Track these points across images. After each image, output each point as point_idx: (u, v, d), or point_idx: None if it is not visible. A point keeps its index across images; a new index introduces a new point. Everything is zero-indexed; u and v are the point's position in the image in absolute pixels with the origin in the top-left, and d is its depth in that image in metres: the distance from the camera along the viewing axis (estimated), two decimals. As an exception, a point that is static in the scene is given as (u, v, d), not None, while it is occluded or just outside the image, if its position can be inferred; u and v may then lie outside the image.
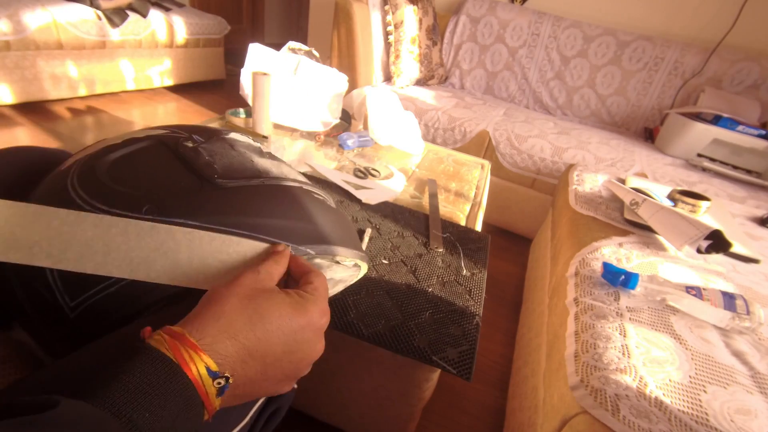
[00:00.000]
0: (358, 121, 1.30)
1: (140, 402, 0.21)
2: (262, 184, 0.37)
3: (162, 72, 2.40)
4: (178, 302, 0.31)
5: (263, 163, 0.40)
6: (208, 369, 0.23)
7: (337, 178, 0.94)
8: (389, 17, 1.80)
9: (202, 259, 0.30)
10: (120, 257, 0.29)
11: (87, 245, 0.28)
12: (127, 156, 0.35)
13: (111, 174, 0.33)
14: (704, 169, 1.51)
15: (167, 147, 0.37)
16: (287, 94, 1.14)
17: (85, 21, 1.93)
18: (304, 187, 0.42)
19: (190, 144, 0.37)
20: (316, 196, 0.42)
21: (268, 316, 0.27)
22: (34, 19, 1.75)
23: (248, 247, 0.32)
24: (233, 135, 0.43)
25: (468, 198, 1.01)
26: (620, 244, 0.84)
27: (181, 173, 0.35)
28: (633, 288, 0.68)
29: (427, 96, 1.79)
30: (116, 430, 0.20)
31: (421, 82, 1.99)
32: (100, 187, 0.32)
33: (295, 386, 0.39)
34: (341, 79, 1.20)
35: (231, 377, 0.24)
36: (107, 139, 0.38)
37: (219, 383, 0.24)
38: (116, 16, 2.03)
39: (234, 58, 2.89)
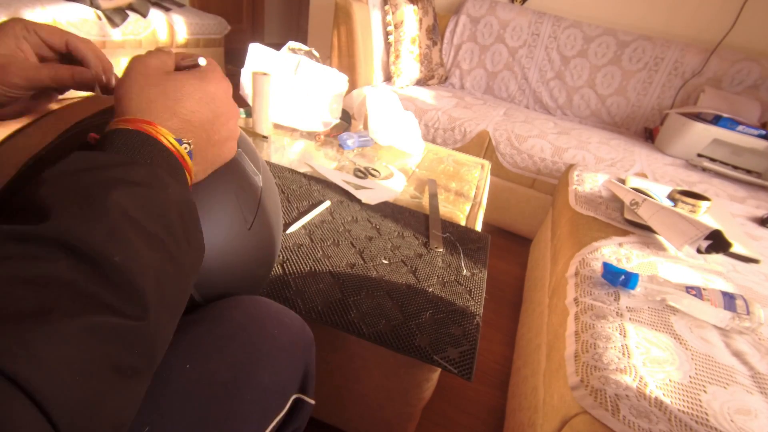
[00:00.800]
0: (358, 121, 1.30)
1: (138, 153, 0.26)
2: None
3: (162, 72, 2.39)
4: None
5: None
6: (174, 139, 0.28)
7: (337, 178, 0.94)
8: (389, 17, 1.80)
9: None
10: None
11: None
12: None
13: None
14: (704, 169, 1.51)
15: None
16: (287, 94, 1.14)
17: (85, 21, 1.93)
18: None
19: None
20: None
21: (187, 91, 0.30)
22: (33, 19, 1.75)
23: None
24: None
25: (468, 198, 1.01)
26: (620, 244, 0.84)
27: None
28: (633, 288, 0.68)
29: (427, 96, 1.79)
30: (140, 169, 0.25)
31: (421, 82, 1.99)
32: None
33: (312, 402, 0.41)
34: (341, 79, 1.20)
35: (190, 142, 0.29)
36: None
37: (186, 147, 0.29)
38: (116, 16, 2.03)
39: (234, 58, 2.89)
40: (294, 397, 0.39)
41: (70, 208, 0.21)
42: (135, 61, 0.30)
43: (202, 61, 0.34)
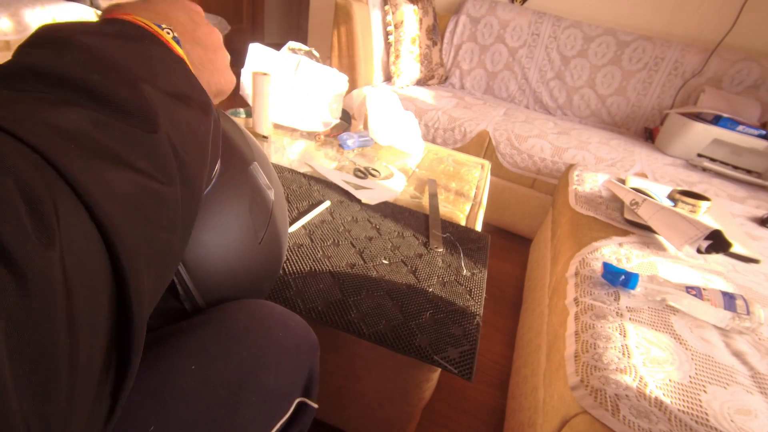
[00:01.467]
0: (358, 121, 1.30)
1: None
2: None
3: (162, 72, 2.39)
4: None
5: None
6: (155, 24, 0.27)
7: (337, 178, 0.94)
8: (389, 17, 1.80)
9: None
10: None
11: None
12: None
13: None
14: (704, 169, 1.51)
15: None
16: (287, 94, 1.14)
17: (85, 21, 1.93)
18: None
19: None
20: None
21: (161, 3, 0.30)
22: (34, 18, 1.75)
23: None
24: None
25: (468, 198, 1.01)
26: (620, 244, 0.84)
27: None
28: (633, 288, 0.68)
29: (427, 96, 1.79)
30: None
31: (421, 82, 1.99)
32: None
33: (316, 406, 0.41)
34: (341, 79, 1.20)
35: (171, 29, 0.28)
36: None
37: (168, 32, 0.27)
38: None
39: (234, 58, 2.88)
40: (298, 400, 0.39)
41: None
42: None
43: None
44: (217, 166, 0.37)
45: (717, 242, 0.81)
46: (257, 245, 0.41)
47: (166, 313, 0.36)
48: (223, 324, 0.36)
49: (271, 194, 0.45)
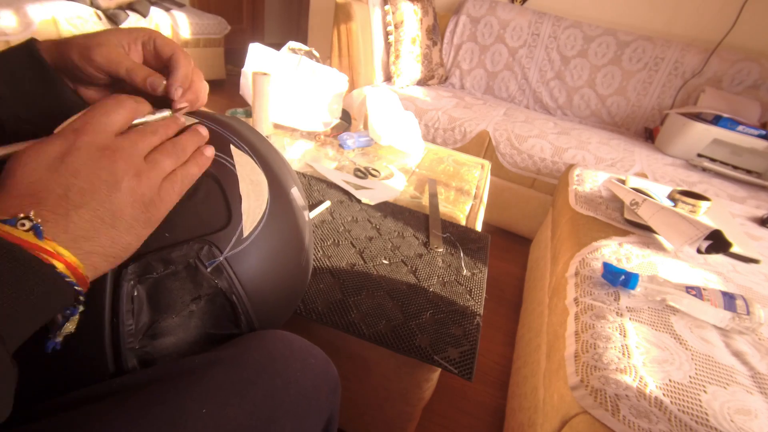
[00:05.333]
0: (358, 121, 1.30)
1: None
2: None
3: (162, 72, 2.40)
4: None
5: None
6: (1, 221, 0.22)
7: (337, 178, 0.94)
8: (389, 17, 1.80)
9: None
10: None
11: None
12: None
13: None
14: (704, 169, 1.51)
15: None
16: (287, 94, 1.14)
17: (85, 21, 1.93)
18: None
19: None
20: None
21: (21, 161, 0.25)
22: (35, 17, 1.75)
23: None
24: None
25: (468, 198, 1.01)
26: (620, 244, 0.84)
27: None
28: (633, 288, 0.68)
29: (427, 96, 1.79)
30: None
31: (421, 82, 1.99)
32: None
33: None
34: (341, 79, 1.20)
35: (33, 215, 0.23)
36: None
37: (23, 224, 0.22)
38: (116, 16, 2.03)
39: (234, 58, 2.89)
40: None
41: None
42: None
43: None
44: (265, 205, 0.36)
45: (717, 242, 0.81)
46: (299, 266, 0.42)
47: (223, 339, 0.36)
48: (237, 363, 0.33)
49: (306, 215, 0.45)
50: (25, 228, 0.22)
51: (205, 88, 0.37)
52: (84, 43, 0.31)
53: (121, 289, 0.29)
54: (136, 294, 0.30)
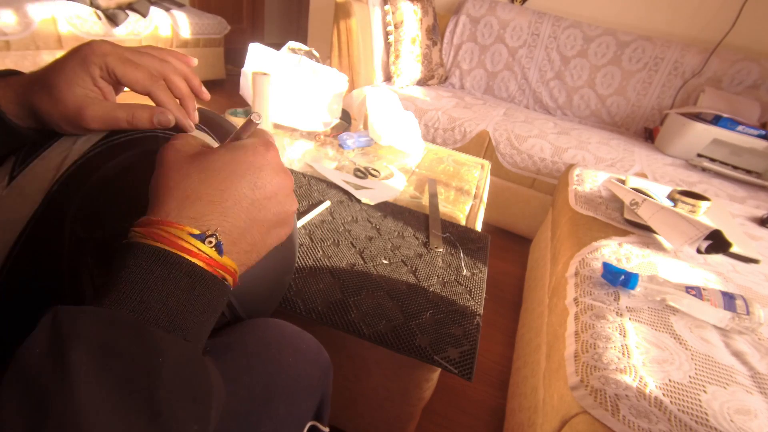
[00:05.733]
0: (358, 121, 1.30)
1: (149, 301, 0.22)
2: None
3: (162, 72, 2.39)
4: None
5: None
6: (192, 235, 0.23)
7: (337, 178, 0.94)
8: (389, 17, 1.80)
9: None
10: None
11: None
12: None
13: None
14: (704, 169, 1.51)
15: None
16: (287, 94, 1.14)
17: (85, 20, 1.93)
18: None
19: None
20: None
21: (213, 167, 0.26)
22: (35, 17, 1.75)
23: None
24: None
25: (468, 198, 1.01)
26: (620, 244, 0.84)
27: None
28: (633, 288, 0.68)
29: (427, 96, 1.79)
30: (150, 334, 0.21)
31: (421, 82, 1.99)
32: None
33: (327, 430, 0.41)
34: (341, 79, 1.20)
35: (218, 231, 0.24)
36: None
37: (210, 242, 0.24)
38: (116, 16, 2.03)
39: (234, 58, 2.89)
40: (309, 424, 0.38)
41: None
42: (160, 151, 0.28)
43: (255, 118, 0.29)
44: None
45: (717, 242, 0.81)
46: (282, 251, 0.41)
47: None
48: (231, 350, 0.34)
49: None
50: (211, 245, 0.24)
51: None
52: (62, 112, 0.30)
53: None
54: None
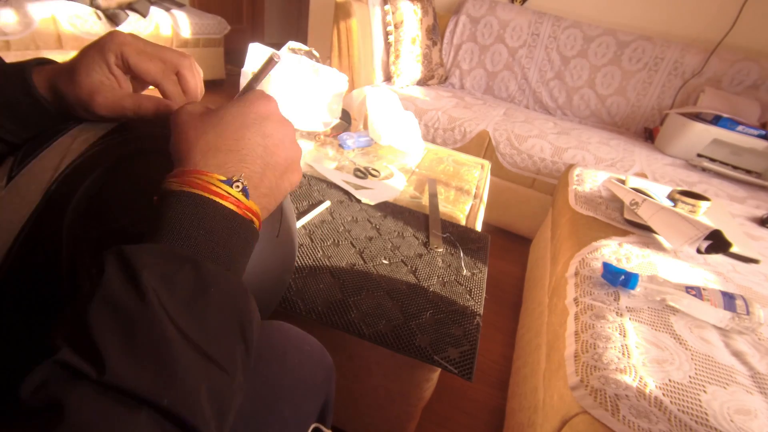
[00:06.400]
0: (358, 121, 1.30)
1: (198, 237, 0.24)
2: None
3: (162, 72, 2.40)
4: None
5: None
6: (221, 180, 0.26)
7: (337, 178, 0.94)
8: (389, 17, 1.80)
9: None
10: None
11: None
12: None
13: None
14: (704, 170, 1.51)
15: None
16: (287, 94, 1.14)
17: (85, 20, 1.93)
18: None
19: None
20: None
21: (224, 120, 0.28)
22: (35, 16, 1.75)
23: None
24: None
25: (468, 198, 1.01)
26: (620, 244, 0.84)
27: None
28: (633, 288, 0.68)
29: (427, 96, 1.79)
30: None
31: (421, 82, 1.99)
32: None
33: (330, 431, 0.41)
34: (341, 79, 1.20)
35: (243, 176, 0.27)
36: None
37: (238, 186, 0.26)
38: (116, 16, 2.03)
39: (234, 58, 2.89)
40: (313, 426, 0.39)
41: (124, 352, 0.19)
42: (172, 116, 0.29)
43: (275, 57, 0.32)
44: None
45: (717, 242, 0.81)
46: (275, 239, 0.41)
47: None
48: None
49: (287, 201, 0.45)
50: (239, 189, 0.26)
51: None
52: (77, 95, 0.32)
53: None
54: None
